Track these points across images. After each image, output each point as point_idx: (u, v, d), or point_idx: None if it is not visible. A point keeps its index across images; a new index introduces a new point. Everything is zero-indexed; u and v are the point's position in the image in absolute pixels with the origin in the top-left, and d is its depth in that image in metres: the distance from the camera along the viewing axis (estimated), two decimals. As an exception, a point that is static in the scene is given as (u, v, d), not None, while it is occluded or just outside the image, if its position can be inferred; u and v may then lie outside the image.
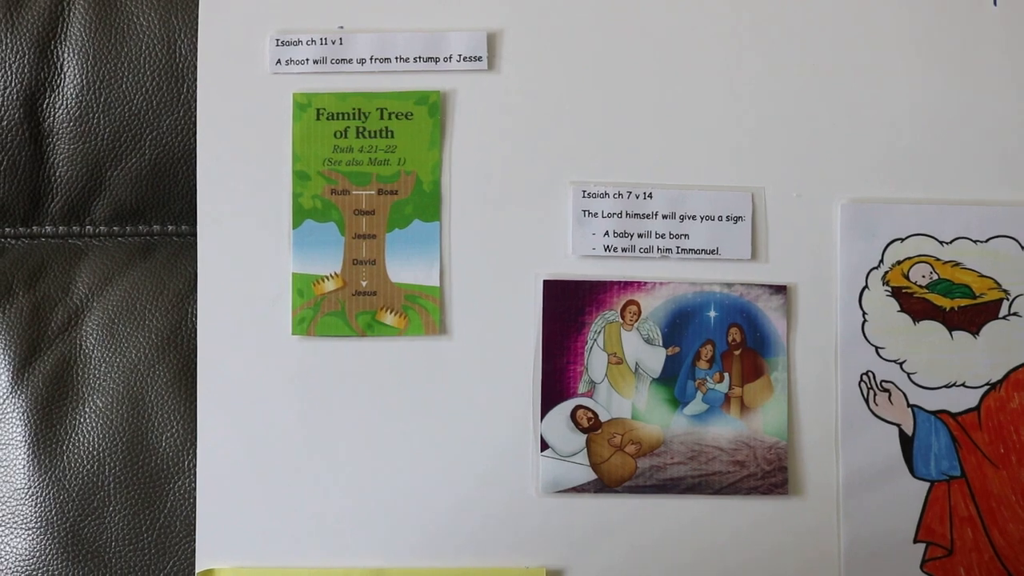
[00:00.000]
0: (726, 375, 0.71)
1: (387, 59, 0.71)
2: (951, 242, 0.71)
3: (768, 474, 0.70)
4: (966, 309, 0.71)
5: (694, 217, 0.71)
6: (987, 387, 0.71)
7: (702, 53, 0.71)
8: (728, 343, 0.71)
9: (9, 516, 0.73)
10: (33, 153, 0.75)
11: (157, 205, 0.75)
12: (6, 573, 0.73)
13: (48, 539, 0.73)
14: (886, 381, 0.71)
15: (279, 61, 0.71)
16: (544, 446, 0.70)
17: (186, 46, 0.73)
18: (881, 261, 0.71)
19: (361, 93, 0.71)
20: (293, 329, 0.71)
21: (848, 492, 0.70)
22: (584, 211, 0.70)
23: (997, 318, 0.71)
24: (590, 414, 0.71)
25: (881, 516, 0.70)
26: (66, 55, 0.74)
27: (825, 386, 0.71)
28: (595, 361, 0.71)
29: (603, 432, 0.71)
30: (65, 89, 0.74)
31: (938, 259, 0.71)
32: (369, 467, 0.70)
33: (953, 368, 0.71)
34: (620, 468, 0.70)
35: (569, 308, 0.71)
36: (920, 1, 0.71)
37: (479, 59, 0.71)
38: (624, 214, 0.71)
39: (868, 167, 0.71)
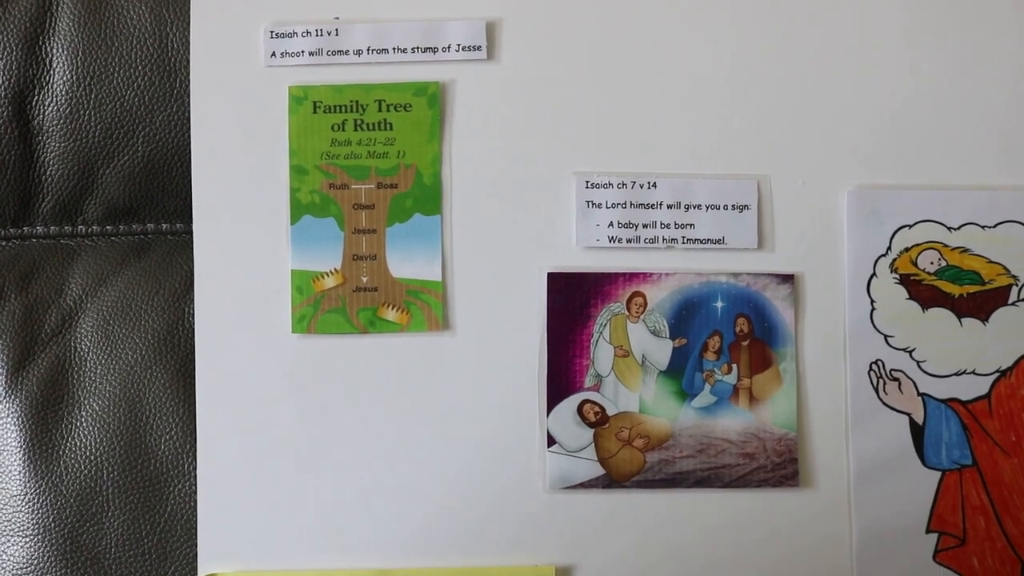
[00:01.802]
0: (734, 366, 0.70)
1: (384, 50, 0.70)
2: (959, 228, 0.70)
3: (778, 466, 0.70)
4: (975, 295, 0.70)
5: (699, 206, 0.70)
6: (997, 374, 0.70)
7: (705, 40, 0.70)
8: (736, 334, 0.70)
9: (5, 523, 0.72)
10: (23, 152, 0.74)
11: (151, 203, 0.75)
12: (3, 582, 0.72)
13: (46, 546, 0.72)
14: (895, 370, 0.70)
15: (274, 53, 0.70)
16: (551, 441, 0.69)
17: (178, 40, 0.72)
18: (889, 248, 0.70)
19: (358, 85, 0.70)
20: (293, 327, 0.70)
21: (859, 483, 0.70)
22: (588, 202, 0.70)
23: (1006, 304, 0.70)
24: (597, 408, 0.70)
25: (893, 506, 0.70)
26: (55, 51, 0.73)
27: (834, 376, 0.70)
28: (601, 354, 0.70)
29: (610, 426, 0.70)
30: (55, 86, 0.73)
31: (946, 245, 0.70)
32: (372, 466, 0.69)
33: (963, 355, 0.70)
34: (628, 463, 0.70)
35: (574, 301, 0.70)
36: (925, -16, 0.71)
37: (478, 48, 0.70)
38: (628, 204, 0.70)
39: (874, 153, 0.70)
